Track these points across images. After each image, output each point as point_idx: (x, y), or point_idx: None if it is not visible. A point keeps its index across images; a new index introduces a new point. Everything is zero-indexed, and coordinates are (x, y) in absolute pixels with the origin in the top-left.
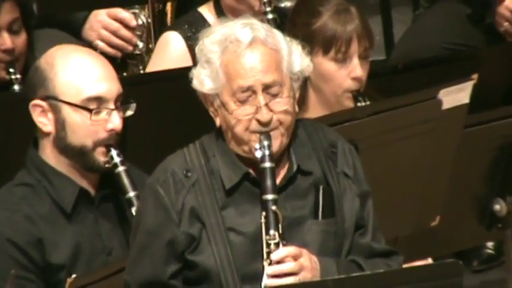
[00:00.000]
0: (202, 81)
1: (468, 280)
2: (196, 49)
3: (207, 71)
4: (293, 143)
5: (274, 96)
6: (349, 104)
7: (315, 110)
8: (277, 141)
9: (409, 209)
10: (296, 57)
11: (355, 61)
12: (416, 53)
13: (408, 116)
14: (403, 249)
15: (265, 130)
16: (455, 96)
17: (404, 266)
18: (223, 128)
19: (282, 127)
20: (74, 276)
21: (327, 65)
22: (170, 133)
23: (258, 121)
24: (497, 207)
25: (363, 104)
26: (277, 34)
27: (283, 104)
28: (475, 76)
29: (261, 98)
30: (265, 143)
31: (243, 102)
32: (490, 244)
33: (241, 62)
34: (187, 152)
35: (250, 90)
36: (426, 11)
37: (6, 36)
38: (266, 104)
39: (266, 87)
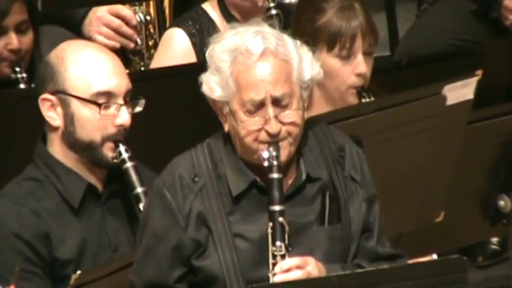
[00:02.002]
0: (212, 88)
1: (473, 276)
2: (207, 54)
3: (217, 78)
4: (301, 148)
5: (284, 108)
6: (353, 100)
7: (319, 107)
8: (285, 150)
9: (413, 205)
10: (307, 65)
11: (360, 57)
12: (420, 49)
13: (412, 112)
14: (407, 245)
15: (273, 141)
16: (460, 92)
17: (409, 262)
18: (231, 134)
19: (291, 137)
20: (79, 272)
21: (331, 61)
22: (174, 129)
23: (267, 132)
24: (501, 203)
25: (367, 100)
26: (288, 42)
27: (292, 115)
28: (479, 72)
29: (271, 110)
30: (274, 153)
31: (252, 112)
32: (494, 240)
33: (252, 74)
34: (195, 155)
35: (260, 102)
36: (430, 7)
37: (13, 36)
38: (275, 116)
39: (276, 100)
